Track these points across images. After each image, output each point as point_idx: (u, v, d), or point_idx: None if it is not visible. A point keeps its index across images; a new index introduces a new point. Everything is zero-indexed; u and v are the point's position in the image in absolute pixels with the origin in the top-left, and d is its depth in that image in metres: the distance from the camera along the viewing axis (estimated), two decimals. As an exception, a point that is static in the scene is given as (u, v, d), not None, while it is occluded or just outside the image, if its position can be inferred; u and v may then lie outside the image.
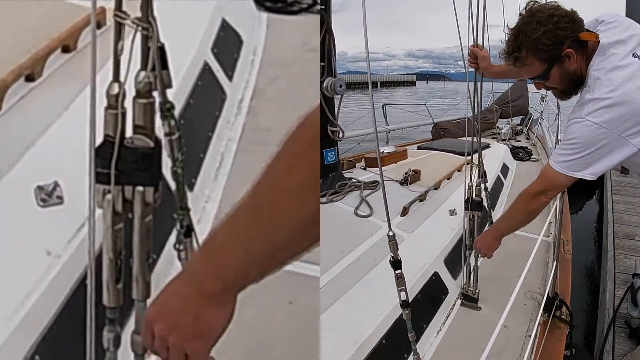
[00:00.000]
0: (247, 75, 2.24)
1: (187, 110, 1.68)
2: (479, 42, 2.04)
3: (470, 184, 2.13)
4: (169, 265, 1.28)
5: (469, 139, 2.22)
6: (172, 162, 1.04)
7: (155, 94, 0.89)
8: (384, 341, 1.59)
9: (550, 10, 1.38)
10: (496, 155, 4.28)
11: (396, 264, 1.25)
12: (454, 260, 2.27)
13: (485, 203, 2.21)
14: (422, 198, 2.75)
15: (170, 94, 0.99)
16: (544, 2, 1.45)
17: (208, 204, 1.66)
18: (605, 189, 5.95)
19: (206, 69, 1.96)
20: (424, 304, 1.96)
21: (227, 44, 2.20)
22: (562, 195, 2.54)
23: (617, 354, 2.57)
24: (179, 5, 1.80)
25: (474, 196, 2.13)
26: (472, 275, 2.10)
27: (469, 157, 2.16)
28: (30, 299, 0.94)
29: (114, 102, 0.81)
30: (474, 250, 2.03)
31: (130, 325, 0.86)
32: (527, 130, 7.30)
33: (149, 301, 0.73)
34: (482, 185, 2.17)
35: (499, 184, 3.70)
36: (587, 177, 1.40)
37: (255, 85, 2.21)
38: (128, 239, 0.85)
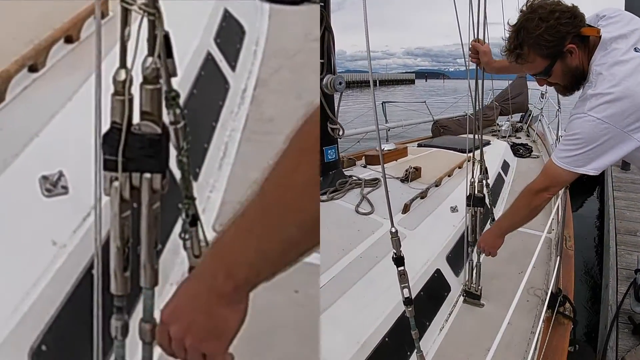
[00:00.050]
0: (250, 66, 2.23)
1: (190, 100, 1.68)
2: (480, 38, 2.03)
3: (472, 180, 2.13)
4: (174, 255, 1.28)
5: (470, 135, 2.21)
6: (178, 151, 1.03)
7: (161, 82, 0.88)
8: (386, 339, 1.58)
9: (552, 6, 1.37)
10: (497, 152, 4.26)
11: (399, 260, 1.25)
12: (456, 257, 2.26)
13: (487, 199, 2.20)
14: (423, 195, 2.74)
15: (174, 83, 0.99)
16: None
17: (213, 193, 1.65)
18: (606, 185, 5.96)
19: (209, 59, 1.95)
20: (427, 301, 1.95)
21: (230, 34, 2.19)
22: (565, 192, 2.54)
23: (621, 350, 2.56)
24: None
25: (475, 192, 2.13)
26: (474, 272, 2.10)
27: (471, 154, 2.15)
28: (37, 289, 0.94)
29: (121, 89, 0.80)
30: (476, 247, 2.02)
31: (138, 313, 0.86)
32: (527, 127, 7.31)
33: (161, 304, 0.73)
34: (484, 182, 2.17)
35: (499, 181, 3.69)
36: (590, 172, 1.39)
37: (259, 75, 2.20)
38: (135, 226, 0.84)
